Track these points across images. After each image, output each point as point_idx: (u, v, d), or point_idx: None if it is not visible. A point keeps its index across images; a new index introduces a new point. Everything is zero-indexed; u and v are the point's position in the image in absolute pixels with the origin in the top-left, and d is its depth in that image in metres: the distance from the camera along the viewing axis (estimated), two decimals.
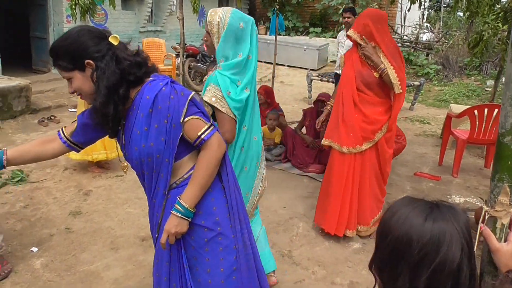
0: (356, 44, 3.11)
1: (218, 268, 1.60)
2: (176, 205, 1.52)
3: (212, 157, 1.51)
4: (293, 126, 5.23)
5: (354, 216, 3.18)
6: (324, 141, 3.26)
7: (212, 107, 1.96)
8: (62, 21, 7.57)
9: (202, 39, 2.12)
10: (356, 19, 3.18)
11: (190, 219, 1.54)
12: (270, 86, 6.13)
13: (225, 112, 1.93)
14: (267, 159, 4.78)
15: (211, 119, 1.58)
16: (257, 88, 2.28)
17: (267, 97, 5.09)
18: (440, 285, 0.82)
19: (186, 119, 1.46)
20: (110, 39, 1.44)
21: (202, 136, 1.49)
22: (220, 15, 2.00)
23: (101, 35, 1.45)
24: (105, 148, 4.14)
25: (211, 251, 1.59)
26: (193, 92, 1.51)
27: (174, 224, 1.52)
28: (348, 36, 3.16)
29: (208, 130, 1.51)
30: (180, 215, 1.51)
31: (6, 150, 1.62)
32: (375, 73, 3.04)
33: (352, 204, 3.17)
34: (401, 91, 3.01)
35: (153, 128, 1.44)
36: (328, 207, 3.21)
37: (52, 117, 5.86)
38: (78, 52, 1.41)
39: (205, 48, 2.14)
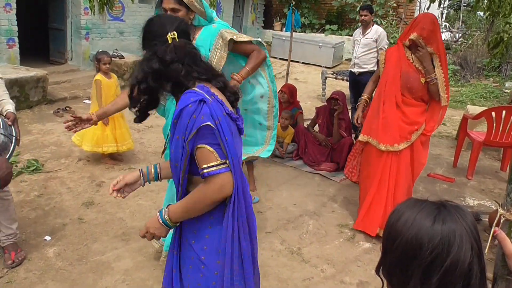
0: (406, 44, 3.07)
1: (197, 283, 1.54)
2: (162, 211, 1.50)
3: (205, 196, 1.41)
4: (305, 124, 5.20)
5: (387, 215, 3.22)
6: (362, 137, 3.26)
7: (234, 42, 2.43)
8: (80, 13, 7.65)
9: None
10: (417, 20, 3.05)
11: (170, 229, 1.53)
12: (289, 83, 6.09)
13: (249, 39, 2.50)
14: (275, 156, 4.77)
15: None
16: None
17: (290, 96, 5.08)
18: (452, 285, 0.81)
19: (198, 145, 1.38)
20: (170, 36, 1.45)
21: (205, 170, 1.38)
22: None
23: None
24: (116, 141, 4.17)
25: (193, 269, 1.53)
26: (217, 122, 1.37)
27: (154, 226, 1.51)
28: (407, 39, 3.04)
29: (215, 168, 1.38)
30: (161, 221, 1.49)
31: (159, 165, 1.69)
32: (421, 79, 3.02)
33: (388, 203, 3.19)
34: (447, 103, 3.06)
35: (175, 138, 1.42)
36: (371, 207, 3.24)
37: (67, 108, 5.94)
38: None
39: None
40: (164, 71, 1.41)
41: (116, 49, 7.87)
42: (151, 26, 1.52)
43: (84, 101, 6.43)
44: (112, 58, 4.64)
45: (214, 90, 1.45)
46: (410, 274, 0.84)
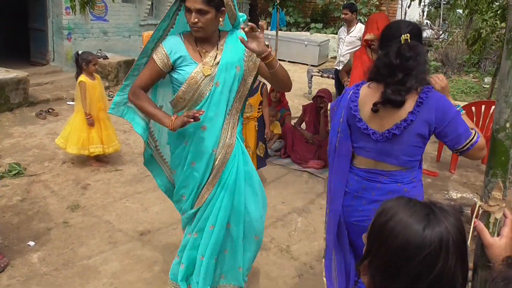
0: (366, 45, 3.36)
1: None
2: None
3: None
4: (293, 122, 5.21)
5: None
6: None
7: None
8: (61, 13, 7.51)
9: (195, 23, 1.88)
10: (372, 20, 3.38)
11: None
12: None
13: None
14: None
15: None
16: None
17: (281, 95, 5.09)
18: None
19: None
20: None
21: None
22: None
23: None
24: (102, 142, 4.12)
25: None
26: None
27: None
28: (365, 40, 3.36)
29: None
30: None
31: None
32: None
33: None
34: None
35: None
36: None
37: (50, 110, 5.83)
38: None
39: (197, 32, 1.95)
40: (399, 66, 1.62)
41: (100, 50, 7.76)
42: (389, 30, 1.81)
43: (68, 102, 6.32)
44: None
45: None
46: (398, 280, 0.83)
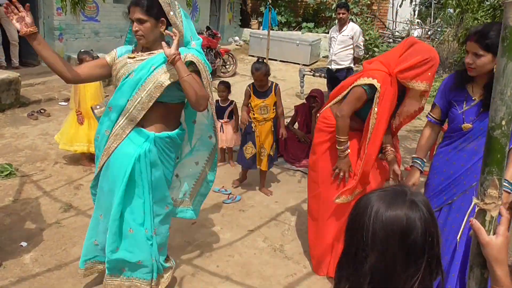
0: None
1: None
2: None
3: None
4: (285, 122, 5.22)
5: None
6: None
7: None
8: (52, 13, 7.46)
9: (136, 31, 2.08)
10: (431, 64, 2.47)
11: None
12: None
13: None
14: None
15: None
16: None
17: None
18: (414, 263, 0.92)
19: None
20: None
21: None
22: None
23: None
24: (89, 141, 4.09)
25: None
26: None
27: None
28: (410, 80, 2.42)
29: None
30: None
31: None
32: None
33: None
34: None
35: None
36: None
37: (42, 111, 5.78)
38: None
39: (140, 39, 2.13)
40: None
41: (92, 50, 7.68)
42: None
43: (60, 103, 6.28)
44: None
45: None
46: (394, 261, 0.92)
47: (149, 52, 2.17)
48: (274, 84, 3.83)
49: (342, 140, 2.50)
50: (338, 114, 2.49)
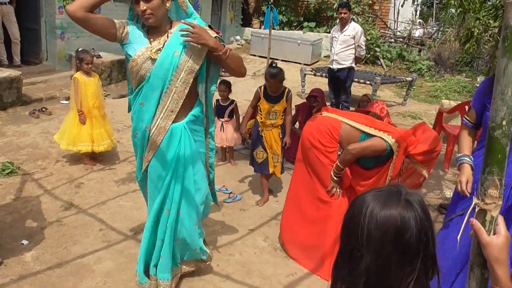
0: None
1: None
2: None
3: None
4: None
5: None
6: None
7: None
8: (54, 12, 7.46)
9: (144, 10, 2.02)
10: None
11: None
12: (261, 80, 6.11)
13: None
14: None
15: None
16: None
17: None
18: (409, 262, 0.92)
19: None
20: None
21: None
22: None
23: None
24: (92, 141, 4.10)
25: None
26: None
27: None
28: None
29: None
30: None
31: None
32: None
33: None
34: None
35: None
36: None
37: (43, 109, 5.79)
38: None
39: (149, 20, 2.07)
40: None
41: (93, 48, 7.71)
42: None
43: (61, 101, 6.29)
44: None
45: None
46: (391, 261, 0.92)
47: (160, 35, 2.14)
48: (287, 90, 3.68)
49: (342, 168, 2.72)
50: (351, 151, 2.64)
